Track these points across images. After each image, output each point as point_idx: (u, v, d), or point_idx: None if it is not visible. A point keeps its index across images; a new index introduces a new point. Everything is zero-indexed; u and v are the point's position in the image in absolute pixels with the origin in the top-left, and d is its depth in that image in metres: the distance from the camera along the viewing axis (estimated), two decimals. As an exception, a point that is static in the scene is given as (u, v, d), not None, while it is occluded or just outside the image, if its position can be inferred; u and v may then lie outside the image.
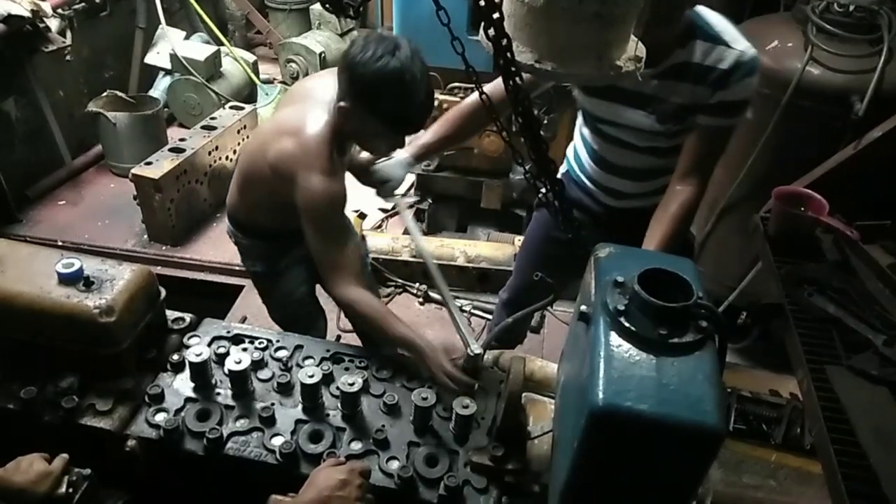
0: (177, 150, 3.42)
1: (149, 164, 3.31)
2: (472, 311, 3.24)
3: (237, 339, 1.79)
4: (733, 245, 2.87)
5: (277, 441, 1.51)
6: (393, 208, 2.27)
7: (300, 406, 1.60)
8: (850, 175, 2.31)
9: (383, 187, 2.10)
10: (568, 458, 1.08)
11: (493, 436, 1.50)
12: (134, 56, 4.47)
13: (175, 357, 1.69)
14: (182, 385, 1.65)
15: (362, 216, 3.51)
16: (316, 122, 1.73)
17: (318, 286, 2.35)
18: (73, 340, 1.56)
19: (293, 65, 4.86)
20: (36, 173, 3.85)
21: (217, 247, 3.50)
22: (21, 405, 1.55)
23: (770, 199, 1.89)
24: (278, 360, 1.74)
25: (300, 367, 1.70)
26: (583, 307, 1.18)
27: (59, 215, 3.74)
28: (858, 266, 1.77)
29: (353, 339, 2.91)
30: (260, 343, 1.77)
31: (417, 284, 3.32)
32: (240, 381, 1.61)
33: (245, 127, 3.82)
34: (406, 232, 2.29)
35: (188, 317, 1.83)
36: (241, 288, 3.22)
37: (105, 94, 3.96)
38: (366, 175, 2.10)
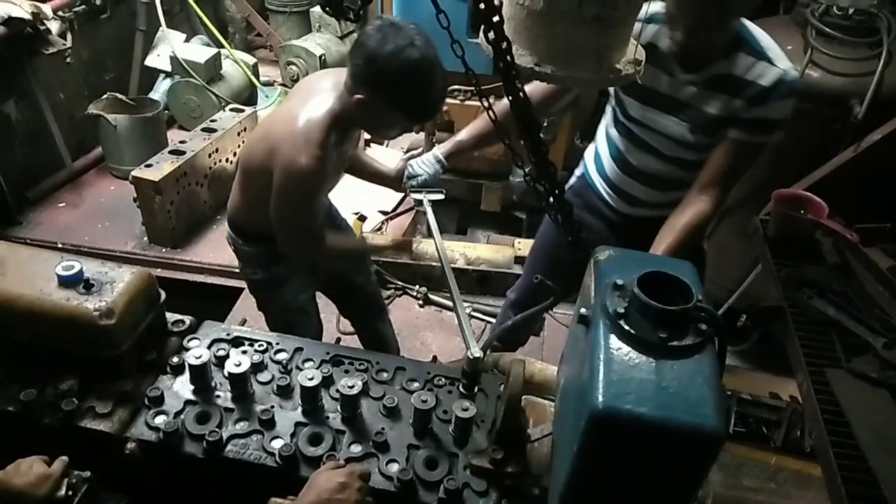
0: (177, 153, 3.42)
1: (149, 166, 3.30)
2: (472, 313, 3.24)
3: (237, 342, 1.79)
4: (733, 247, 2.87)
5: (277, 444, 1.51)
6: (419, 203, 2.28)
7: (300, 409, 1.60)
8: (850, 178, 2.31)
9: (408, 181, 2.12)
10: (567, 461, 1.08)
11: (493, 438, 1.50)
12: (134, 58, 4.47)
13: (175, 359, 1.68)
14: (182, 387, 1.65)
15: (362, 219, 3.51)
16: (315, 110, 1.75)
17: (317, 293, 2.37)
18: (72, 343, 1.56)
19: (293, 67, 4.86)
20: (36, 175, 3.84)
21: (217, 249, 3.50)
22: (21, 407, 1.55)
23: (770, 201, 1.90)
24: (278, 362, 1.73)
25: (300, 369, 1.70)
26: (582, 310, 1.18)
27: (59, 217, 3.74)
28: (858, 269, 1.78)
29: (353, 342, 2.91)
30: (260, 345, 1.76)
31: (417, 287, 3.32)
32: (239, 383, 1.61)
33: (245, 129, 3.82)
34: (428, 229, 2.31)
35: (188, 319, 1.83)
36: (240, 290, 3.22)
37: (105, 96, 3.96)
38: (393, 181, 2.18)
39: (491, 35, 1.23)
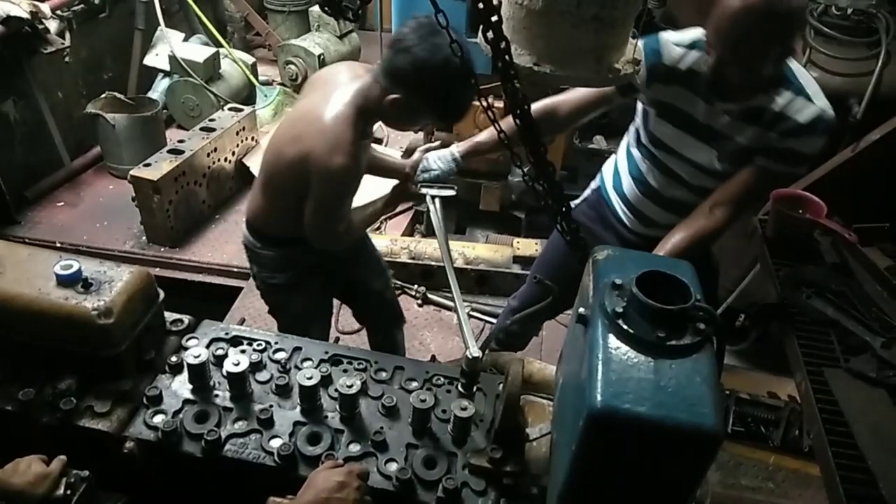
0: (175, 152, 3.42)
1: (147, 165, 3.31)
2: (471, 313, 3.24)
3: (235, 341, 1.79)
4: (732, 247, 2.87)
5: (276, 443, 1.51)
6: (425, 197, 2.29)
7: (298, 408, 1.60)
8: (849, 178, 2.31)
9: (421, 174, 2.12)
10: (566, 461, 1.08)
11: (492, 438, 1.50)
12: (133, 57, 4.47)
13: (173, 359, 1.68)
14: (180, 387, 1.65)
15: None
16: (339, 107, 1.77)
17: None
18: (71, 342, 1.56)
19: (292, 66, 4.86)
20: (35, 175, 3.85)
21: (215, 248, 3.50)
22: (19, 407, 1.55)
23: (768, 201, 1.90)
24: (277, 361, 1.73)
25: (298, 368, 1.70)
26: (581, 309, 1.18)
27: (57, 217, 3.74)
28: (857, 268, 1.78)
29: (352, 341, 2.92)
30: (258, 345, 1.76)
31: (416, 286, 3.32)
32: (238, 382, 1.61)
33: (244, 129, 3.82)
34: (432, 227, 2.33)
35: (186, 318, 1.83)
36: (239, 290, 3.22)
37: (104, 95, 3.96)
38: (406, 173, 2.20)
39: (490, 35, 1.23)
